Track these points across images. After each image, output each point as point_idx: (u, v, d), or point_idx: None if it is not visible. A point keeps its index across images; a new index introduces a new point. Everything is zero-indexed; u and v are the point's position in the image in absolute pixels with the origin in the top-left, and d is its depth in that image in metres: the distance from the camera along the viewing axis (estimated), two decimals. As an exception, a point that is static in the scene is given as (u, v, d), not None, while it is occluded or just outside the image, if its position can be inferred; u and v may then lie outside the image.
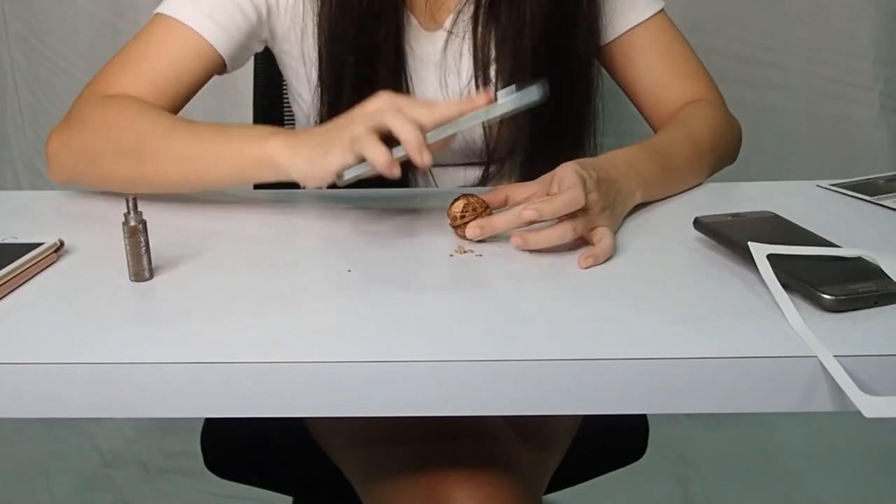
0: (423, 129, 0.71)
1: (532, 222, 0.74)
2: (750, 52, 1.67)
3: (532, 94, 0.72)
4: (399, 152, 0.71)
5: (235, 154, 0.80)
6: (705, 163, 0.94)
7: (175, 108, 0.94)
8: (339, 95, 0.95)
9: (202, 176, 0.83)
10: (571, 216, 0.74)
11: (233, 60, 0.96)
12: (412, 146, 0.70)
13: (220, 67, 0.96)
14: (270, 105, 1.23)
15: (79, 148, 0.89)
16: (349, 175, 0.74)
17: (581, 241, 0.76)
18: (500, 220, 0.75)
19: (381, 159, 0.70)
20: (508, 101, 0.72)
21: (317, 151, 0.75)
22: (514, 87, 0.72)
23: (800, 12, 1.66)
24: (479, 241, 0.77)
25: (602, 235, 0.74)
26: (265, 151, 0.78)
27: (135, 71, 0.92)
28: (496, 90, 0.72)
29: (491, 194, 0.81)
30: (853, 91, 1.69)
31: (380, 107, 0.73)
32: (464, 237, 0.77)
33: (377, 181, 0.97)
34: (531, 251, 0.74)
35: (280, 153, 0.77)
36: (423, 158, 0.70)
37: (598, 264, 0.72)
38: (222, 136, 0.82)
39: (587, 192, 0.74)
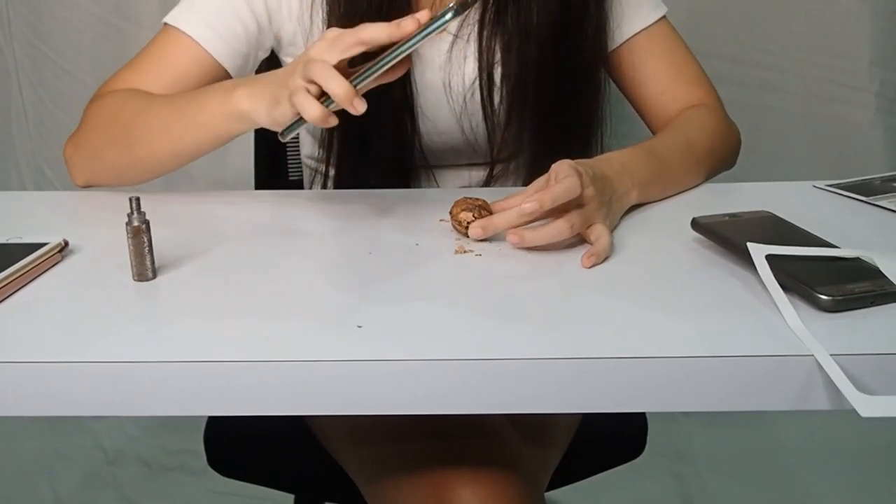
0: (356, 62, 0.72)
1: (533, 217, 0.74)
2: (747, 54, 1.68)
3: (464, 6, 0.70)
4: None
5: (208, 115, 0.84)
6: (701, 166, 0.94)
7: None
8: None
9: (186, 143, 0.87)
10: (567, 213, 0.74)
11: (236, 70, 0.98)
12: (340, 99, 0.71)
13: (225, 77, 0.98)
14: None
15: (84, 146, 0.94)
16: (289, 133, 0.77)
17: (577, 240, 0.77)
18: (501, 219, 0.76)
19: (312, 114, 0.72)
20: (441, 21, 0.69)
21: (271, 100, 0.78)
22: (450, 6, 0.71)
23: (796, 14, 1.66)
24: (481, 241, 0.77)
25: (600, 234, 0.75)
26: (232, 104, 0.81)
27: (139, 79, 0.95)
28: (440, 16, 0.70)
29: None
30: (849, 92, 1.69)
31: (311, 55, 0.74)
32: (463, 234, 0.78)
33: (378, 181, 0.98)
34: (528, 249, 0.75)
35: (244, 102, 0.80)
36: (355, 108, 0.71)
37: (601, 263, 0.73)
38: (195, 101, 0.86)
39: (584, 186, 0.75)
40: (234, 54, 0.97)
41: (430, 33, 0.69)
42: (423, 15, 0.70)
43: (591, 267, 0.72)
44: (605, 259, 0.73)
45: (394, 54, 0.71)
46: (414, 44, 0.70)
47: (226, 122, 0.83)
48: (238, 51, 0.97)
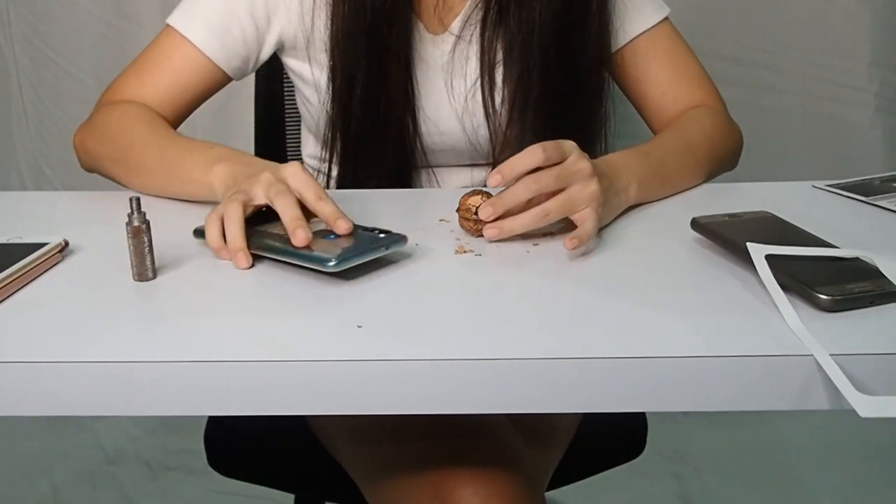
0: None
1: (510, 187, 0.75)
2: (746, 54, 1.68)
3: (398, 244, 0.72)
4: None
5: (187, 176, 0.86)
6: (702, 167, 0.94)
7: (179, 116, 0.99)
8: (349, 99, 0.96)
9: (168, 189, 0.90)
10: (548, 199, 0.74)
11: (235, 72, 1.00)
12: (229, 246, 0.72)
13: (225, 80, 1.00)
14: (271, 102, 1.24)
15: (89, 150, 0.96)
16: (199, 237, 0.77)
17: (573, 228, 0.76)
18: (509, 195, 0.75)
19: (210, 242, 0.74)
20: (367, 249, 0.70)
21: (227, 190, 0.79)
22: (379, 233, 0.72)
23: (796, 14, 1.66)
24: (479, 237, 0.77)
25: (585, 218, 0.74)
26: (208, 177, 0.84)
27: (141, 81, 0.98)
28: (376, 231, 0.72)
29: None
30: (849, 93, 1.70)
31: (252, 183, 0.75)
32: (470, 230, 0.78)
33: (379, 181, 0.98)
34: (528, 248, 0.75)
35: (216, 180, 0.83)
36: (237, 260, 0.72)
37: (583, 247, 0.73)
38: (187, 156, 0.88)
39: (574, 161, 0.75)
40: (232, 57, 0.98)
41: (311, 265, 0.69)
42: (302, 239, 0.69)
43: (573, 249, 0.72)
44: (588, 241, 0.73)
45: (284, 253, 0.71)
46: (295, 259, 0.70)
47: (200, 189, 0.85)
48: (237, 53, 0.98)
